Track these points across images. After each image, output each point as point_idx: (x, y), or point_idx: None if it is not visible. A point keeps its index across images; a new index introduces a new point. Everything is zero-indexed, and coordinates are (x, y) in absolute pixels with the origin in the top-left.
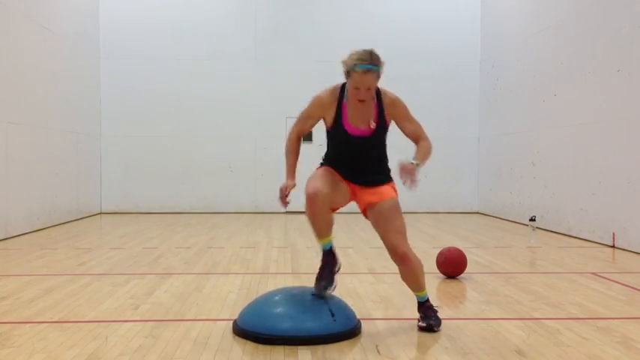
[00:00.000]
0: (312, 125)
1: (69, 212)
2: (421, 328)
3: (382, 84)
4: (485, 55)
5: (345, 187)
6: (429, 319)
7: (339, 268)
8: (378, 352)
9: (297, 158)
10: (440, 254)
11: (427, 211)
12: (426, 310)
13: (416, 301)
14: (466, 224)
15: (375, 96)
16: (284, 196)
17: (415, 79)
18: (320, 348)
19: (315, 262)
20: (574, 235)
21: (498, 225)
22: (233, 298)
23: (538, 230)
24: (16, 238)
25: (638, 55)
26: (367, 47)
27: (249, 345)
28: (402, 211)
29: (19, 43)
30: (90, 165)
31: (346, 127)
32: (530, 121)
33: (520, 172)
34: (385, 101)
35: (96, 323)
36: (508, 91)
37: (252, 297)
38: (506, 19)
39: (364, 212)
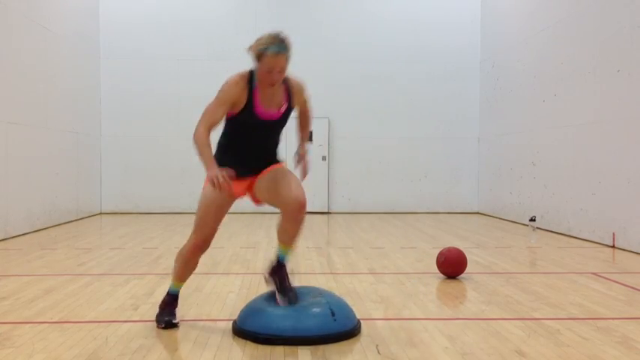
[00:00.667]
0: (224, 115)
1: (69, 212)
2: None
3: (384, 83)
4: (486, 55)
5: (231, 203)
6: (285, 291)
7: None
8: (378, 352)
9: (211, 149)
10: (440, 254)
11: (427, 211)
12: (284, 277)
13: (276, 259)
14: (466, 224)
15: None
16: (228, 184)
17: (415, 79)
18: (320, 348)
19: (316, 262)
20: (574, 235)
21: (498, 225)
22: (233, 298)
23: (538, 230)
24: (16, 238)
25: (638, 55)
26: (275, 31)
27: (249, 345)
28: (402, 211)
29: (19, 43)
30: (90, 165)
31: (257, 112)
32: (530, 121)
33: (520, 172)
34: (293, 85)
35: (96, 323)
36: (508, 91)
37: (253, 297)
38: (506, 19)
39: (254, 195)
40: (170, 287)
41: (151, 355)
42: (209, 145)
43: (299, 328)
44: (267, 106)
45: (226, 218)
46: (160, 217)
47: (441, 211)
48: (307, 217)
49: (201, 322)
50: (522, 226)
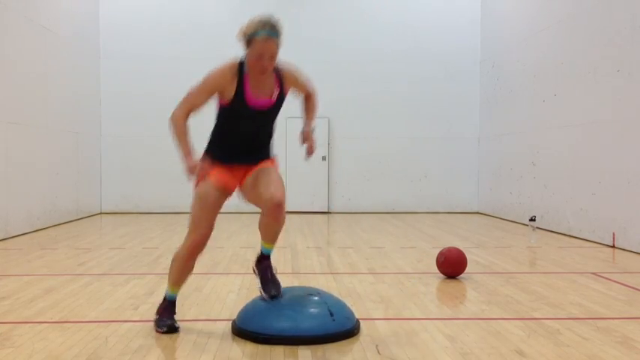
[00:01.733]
0: (205, 102)
1: (69, 212)
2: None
3: (384, 83)
4: (485, 56)
5: (226, 198)
6: (266, 282)
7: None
8: (378, 352)
9: (189, 137)
10: (440, 254)
11: (427, 211)
12: (267, 267)
13: (259, 254)
14: (466, 224)
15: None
16: (204, 170)
17: (415, 80)
18: (320, 348)
19: (316, 262)
20: (574, 235)
21: (498, 225)
22: (233, 298)
23: (538, 230)
24: (16, 238)
25: (638, 55)
26: (266, 15)
27: (249, 345)
28: (402, 211)
29: (19, 44)
30: (90, 165)
31: (248, 100)
32: (530, 121)
33: (520, 172)
34: (284, 72)
35: (96, 323)
36: (508, 92)
37: (252, 297)
38: (506, 19)
39: (243, 183)
40: (167, 293)
41: (151, 355)
42: (186, 133)
43: (298, 328)
44: (258, 94)
45: (226, 218)
46: (159, 217)
47: (441, 211)
48: (307, 217)
49: (201, 322)
50: (522, 226)
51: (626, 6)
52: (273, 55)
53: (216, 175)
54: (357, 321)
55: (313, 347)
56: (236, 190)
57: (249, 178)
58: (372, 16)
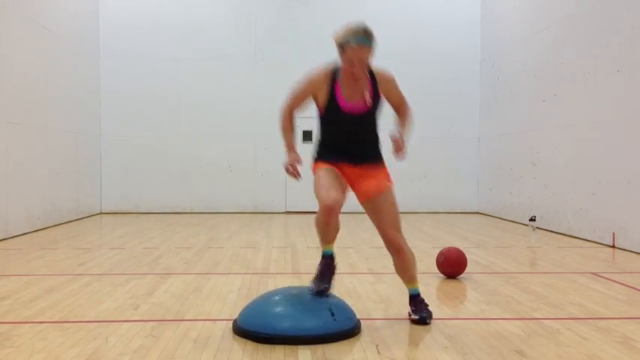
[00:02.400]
0: (303, 101)
1: (69, 212)
2: (414, 321)
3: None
4: (485, 56)
5: (344, 181)
6: (421, 312)
7: (335, 271)
8: (378, 352)
9: (294, 133)
10: (440, 254)
11: (427, 211)
12: (417, 303)
13: (408, 295)
14: (466, 224)
15: (367, 72)
16: (296, 170)
17: (415, 80)
18: (320, 348)
19: (315, 262)
20: (574, 235)
21: (498, 225)
22: (233, 298)
23: (538, 230)
24: (16, 238)
25: (638, 55)
26: (359, 23)
27: (249, 345)
28: (402, 211)
29: (19, 44)
30: (90, 165)
31: (341, 104)
32: (530, 121)
33: (520, 172)
34: (378, 76)
35: (96, 323)
36: (508, 91)
37: (252, 297)
38: (506, 19)
39: (360, 200)
40: (323, 252)
41: (151, 355)
42: (291, 130)
43: (299, 327)
44: (350, 98)
45: (226, 218)
46: (159, 217)
47: (441, 210)
48: (307, 217)
49: (201, 322)
50: (522, 226)
51: (626, 6)
52: (363, 61)
53: (324, 164)
54: (358, 321)
55: (313, 347)
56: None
57: (364, 201)
58: (372, 15)
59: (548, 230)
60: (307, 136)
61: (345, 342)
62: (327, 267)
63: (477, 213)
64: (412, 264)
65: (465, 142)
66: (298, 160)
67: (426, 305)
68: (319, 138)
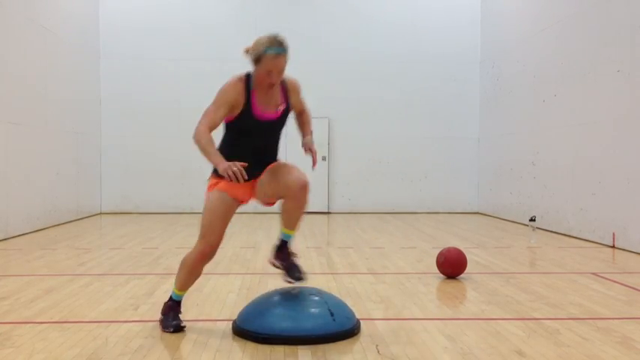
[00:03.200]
0: (224, 116)
1: (69, 212)
2: (285, 279)
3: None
4: (485, 56)
5: (237, 205)
6: (292, 271)
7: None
8: (378, 352)
9: (214, 145)
10: (440, 254)
11: (427, 211)
12: (287, 254)
13: (279, 242)
14: (466, 224)
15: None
16: (240, 170)
17: (415, 80)
18: (320, 348)
19: (316, 262)
20: (574, 235)
21: (498, 225)
22: (233, 298)
23: (538, 230)
24: (16, 239)
25: (638, 55)
26: (273, 33)
27: (249, 345)
28: (402, 211)
29: (19, 44)
30: (90, 165)
31: (255, 113)
32: (530, 121)
33: (520, 172)
34: (288, 85)
35: (96, 323)
36: (508, 92)
37: (252, 297)
38: (506, 19)
39: (259, 196)
40: (173, 293)
41: (151, 355)
42: (212, 141)
43: (299, 328)
44: (265, 107)
45: None
46: (159, 217)
47: (441, 211)
48: (307, 218)
49: (201, 323)
50: (522, 226)
51: (626, 6)
52: (281, 71)
53: (227, 185)
54: (358, 321)
55: (313, 347)
56: (249, 199)
57: (262, 180)
58: (372, 16)
59: (548, 230)
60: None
61: (345, 342)
62: (172, 309)
63: (477, 213)
64: (304, 209)
65: (465, 143)
66: (234, 163)
67: (295, 257)
68: (224, 149)
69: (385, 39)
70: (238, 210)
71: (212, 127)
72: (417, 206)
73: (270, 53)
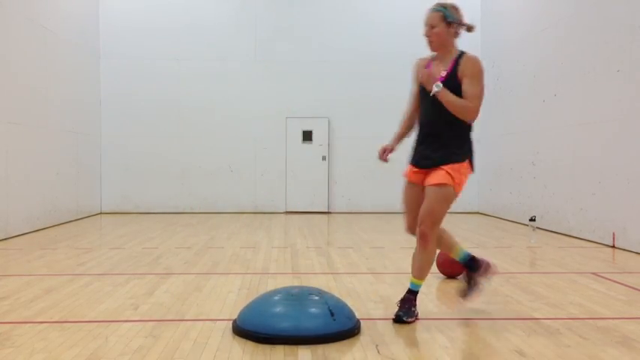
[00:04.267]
0: (415, 91)
1: (69, 212)
2: (396, 319)
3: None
4: (485, 55)
5: (418, 191)
6: (401, 309)
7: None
8: (378, 351)
9: (405, 128)
10: (440, 254)
11: None
12: (408, 301)
13: (407, 288)
14: (466, 224)
15: (457, 54)
16: (383, 154)
17: None
18: (320, 348)
19: (316, 262)
20: (574, 235)
21: (498, 225)
22: (233, 298)
23: (538, 230)
24: (16, 238)
25: (638, 55)
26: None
27: (249, 345)
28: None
29: (19, 44)
30: (90, 165)
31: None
32: (530, 121)
33: (520, 172)
34: (462, 58)
35: (96, 323)
36: (508, 91)
37: (252, 297)
38: (506, 19)
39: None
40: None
41: (151, 355)
42: (403, 122)
43: (299, 328)
44: (435, 73)
45: (226, 218)
46: (159, 217)
47: None
48: (307, 217)
49: (201, 322)
50: (522, 226)
51: (625, 6)
52: (434, 25)
53: (407, 172)
54: (358, 321)
55: (313, 347)
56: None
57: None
58: (371, 16)
59: (549, 230)
60: (307, 136)
61: (345, 342)
62: (408, 301)
63: (477, 213)
64: (429, 258)
65: None
66: (391, 149)
67: (415, 306)
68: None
69: (385, 39)
70: (237, 210)
71: (413, 106)
72: None
73: (427, 10)
